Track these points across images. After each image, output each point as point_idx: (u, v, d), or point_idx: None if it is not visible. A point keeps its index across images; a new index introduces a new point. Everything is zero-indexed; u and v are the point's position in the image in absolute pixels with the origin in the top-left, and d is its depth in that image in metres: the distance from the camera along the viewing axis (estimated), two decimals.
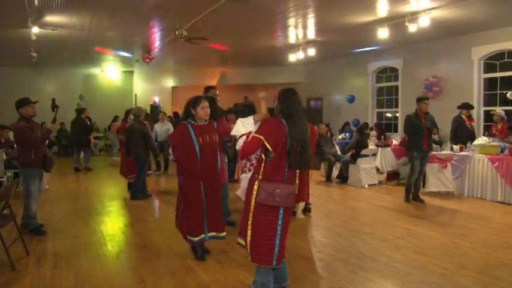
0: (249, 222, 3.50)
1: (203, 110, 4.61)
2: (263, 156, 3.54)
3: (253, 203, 3.48)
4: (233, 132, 4.29)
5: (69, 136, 14.87)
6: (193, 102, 4.63)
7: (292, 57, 12.78)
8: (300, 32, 10.56)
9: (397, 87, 12.67)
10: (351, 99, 14.03)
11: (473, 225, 6.20)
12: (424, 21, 8.41)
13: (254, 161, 3.97)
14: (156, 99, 17.91)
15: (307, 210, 7.01)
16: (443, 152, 8.57)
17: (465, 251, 5.08)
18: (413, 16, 8.52)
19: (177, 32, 9.99)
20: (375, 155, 9.67)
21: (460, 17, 8.77)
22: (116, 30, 10.32)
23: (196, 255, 4.76)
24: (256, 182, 3.48)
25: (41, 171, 5.90)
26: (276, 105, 3.71)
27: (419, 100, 7.75)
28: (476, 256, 4.93)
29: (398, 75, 12.50)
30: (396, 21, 8.87)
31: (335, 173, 10.14)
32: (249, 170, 4.02)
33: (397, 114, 12.69)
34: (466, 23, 9.32)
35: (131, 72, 18.06)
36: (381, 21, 9.07)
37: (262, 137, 3.44)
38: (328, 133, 11.24)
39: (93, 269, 4.56)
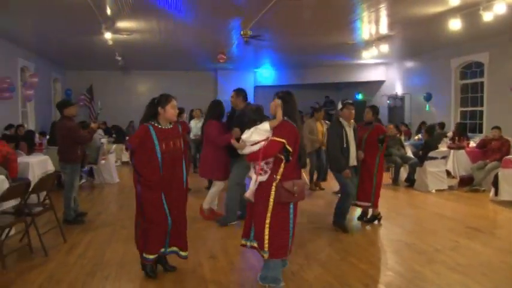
0: (267, 222, 3.75)
1: (174, 109, 4.08)
2: (282, 157, 3.79)
3: (271, 203, 3.75)
4: (245, 138, 3.97)
5: None
6: (163, 100, 4.05)
7: (367, 54, 12.22)
8: (373, 27, 10.08)
9: (482, 83, 11.48)
10: (428, 98, 13.04)
11: None
12: (500, 8, 7.50)
13: (270, 164, 3.86)
14: None
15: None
16: None
17: None
18: (488, 3, 7.66)
19: (242, 31, 10.07)
20: (445, 157, 8.85)
21: None
22: (186, 32, 10.66)
23: (146, 272, 4.19)
24: (274, 183, 3.75)
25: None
26: (278, 108, 3.93)
27: None
28: None
29: (484, 70, 11.32)
30: (469, 10, 8.04)
31: (404, 175, 9.48)
32: (265, 173, 3.87)
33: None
34: None
35: None
36: (453, 11, 8.29)
37: (284, 141, 3.73)
38: (399, 134, 10.54)
39: (113, 260, 4.73)
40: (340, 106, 5.92)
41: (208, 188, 8.98)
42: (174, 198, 4.07)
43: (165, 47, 12.33)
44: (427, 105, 13.25)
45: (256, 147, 3.89)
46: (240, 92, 6.20)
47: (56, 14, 8.57)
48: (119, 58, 13.14)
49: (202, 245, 5.29)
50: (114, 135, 13.94)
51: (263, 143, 3.86)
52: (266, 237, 3.74)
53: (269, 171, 3.84)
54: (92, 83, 16.46)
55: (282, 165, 3.79)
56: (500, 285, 4.10)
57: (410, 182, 9.12)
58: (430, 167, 8.58)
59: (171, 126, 4.14)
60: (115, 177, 10.14)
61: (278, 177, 3.77)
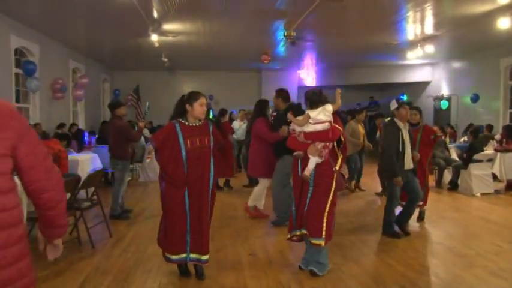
0: (327, 209, 4.10)
1: (202, 107, 3.98)
2: (338, 151, 4.25)
3: (332, 191, 4.13)
4: (313, 116, 4.22)
5: None
6: (192, 98, 3.99)
7: (412, 55, 12.01)
8: (418, 27, 9.91)
9: None
10: (475, 99, 12.64)
11: None
12: None
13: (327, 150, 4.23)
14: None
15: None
16: None
17: None
18: None
19: (285, 33, 10.16)
20: (490, 160, 8.59)
21: None
22: (230, 34, 10.85)
23: (180, 272, 4.27)
24: (334, 175, 4.17)
25: None
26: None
27: None
28: None
29: None
30: None
31: (448, 178, 9.27)
32: (320, 157, 4.17)
33: None
34: None
35: None
36: (502, 10, 8.04)
37: (341, 129, 4.18)
38: (444, 136, 10.30)
39: (155, 254, 4.92)
40: (394, 105, 5.49)
41: (247, 186, 9.18)
42: (198, 197, 3.95)
43: (210, 48, 12.56)
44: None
45: (319, 127, 4.19)
46: (280, 93, 6.24)
47: (106, 18, 8.96)
48: (165, 59, 13.48)
49: (242, 243, 5.40)
50: None
51: (327, 124, 4.17)
52: (324, 224, 4.08)
53: (324, 158, 4.16)
54: (139, 83, 16.98)
55: (340, 157, 4.25)
56: None
57: (454, 185, 8.90)
58: (475, 169, 8.35)
59: (201, 123, 4.06)
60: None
61: (337, 167, 4.21)
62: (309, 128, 4.23)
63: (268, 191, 6.70)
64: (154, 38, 10.09)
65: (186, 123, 4.00)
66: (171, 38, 10.86)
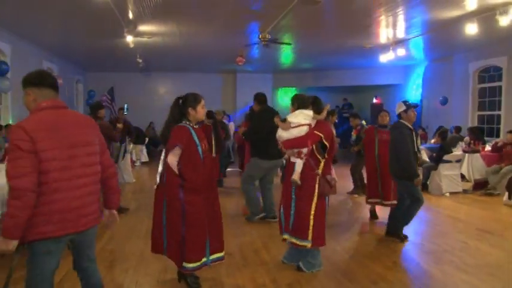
0: (312, 213, 4.21)
1: (204, 109, 3.90)
2: (319, 156, 4.28)
3: (316, 196, 4.22)
4: (290, 119, 4.34)
5: None
6: (193, 100, 3.85)
7: (384, 58, 12.27)
8: (390, 31, 10.16)
9: (500, 87, 11.44)
10: (444, 102, 13.02)
11: None
12: None
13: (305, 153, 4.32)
14: None
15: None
16: None
17: None
18: (504, 7, 7.69)
19: (261, 35, 10.25)
20: (459, 161, 8.88)
21: None
22: (205, 36, 10.89)
23: (189, 285, 4.00)
24: (317, 177, 4.23)
25: None
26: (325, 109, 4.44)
27: None
28: None
29: (502, 74, 11.28)
30: (486, 14, 8.07)
31: None
32: (301, 159, 4.30)
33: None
34: None
35: None
36: (469, 16, 8.33)
37: (321, 135, 4.20)
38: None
39: (133, 255, 4.95)
40: (402, 108, 5.43)
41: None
42: (211, 198, 3.92)
43: (185, 49, 12.60)
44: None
45: (296, 131, 4.26)
46: (255, 97, 6.50)
47: (79, 18, 8.88)
48: (140, 60, 13.42)
49: None
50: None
51: (306, 127, 4.24)
52: (311, 227, 4.20)
53: (304, 158, 4.28)
54: (113, 84, 16.84)
55: (322, 161, 4.29)
56: (507, 285, 4.18)
57: (423, 185, 9.14)
58: (444, 170, 8.63)
59: (199, 126, 3.99)
60: (132, 177, 10.40)
61: (320, 171, 4.25)
62: (285, 135, 4.33)
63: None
64: (130, 39, 10.03)
65: (195, 126, 3.87)
66: (146, 39, 10.80)
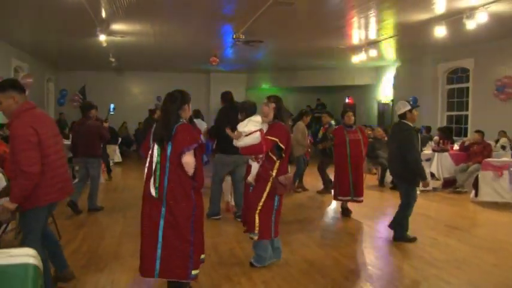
0: (258, 209, 4.35)
1: (190, 107, 3.68)
2: (274, 157, 4.35)
3: (265, 196, 4.34)
4: (241, 129, 4.41)
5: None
6: (187, 97, 3.62)
7: (356, 59, 12.48)
8: (362, 32, 10.34)
9: (467, 88, 11.81)
10: (414, 102, 13.29)
11: None
12: (482, 17, 7.79)
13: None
14: None
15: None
16: (499, 159, 7.87)
17: (485, 268, 4.63)
18: (471, 12, 7.95)
19: (234, 35, 10.28)
20: (429, 160, 9.12)
21: None
22: (179, 36, 10.86)
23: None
24: (271, 179, 4.31)
25: None
26: (269, 111, 4.45)
27: None
28: (495, 274, 4.48)
29: (469, 76, 11.65)
30: (454, 18, 8.32)
31: (390, 177, 9.73)
32: (258, 162, 4.41)
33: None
34: None
35: None
36: (438, 19, 8.58)
37: (277, 139, 4.27)
38: (386, 137, 10.80)
39: (107, 254, 4.92)
40: (406, 107, 5.37)
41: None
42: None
43: (159, 48, 12.51)
44: None
45: (249, 139, 4.31)
46: (221, 95, 6.85)
47: (52, 16, 8.75)
48: (113, 59, 13.27)
49: None
50: None
51: (257, 133, 4.27)
52: (257, 222, 4.35)
53: (261, 161, 4.38)
54: (85, 83, 16.57)
55: (277, 162, 4.36)
56: (473, 278, 4.35)
57: (395, 184, 9.35)
58: None
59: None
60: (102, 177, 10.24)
61: (274, 172, 4.33)
62: (240, 143, 4.41)
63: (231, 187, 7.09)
64: (102, 38, 9.91)
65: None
66: (119, 38, 10.71)
